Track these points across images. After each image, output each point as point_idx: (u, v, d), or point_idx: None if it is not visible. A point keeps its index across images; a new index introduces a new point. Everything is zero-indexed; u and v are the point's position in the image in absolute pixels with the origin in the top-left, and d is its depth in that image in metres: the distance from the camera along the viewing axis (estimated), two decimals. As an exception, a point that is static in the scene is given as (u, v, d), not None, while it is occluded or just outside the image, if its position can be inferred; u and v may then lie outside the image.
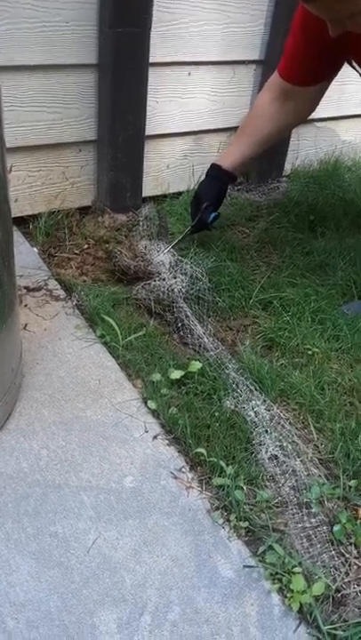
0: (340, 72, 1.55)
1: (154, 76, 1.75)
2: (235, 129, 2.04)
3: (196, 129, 1.96)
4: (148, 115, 1.79)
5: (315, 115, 2.09)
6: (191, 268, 1.52)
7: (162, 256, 1.54)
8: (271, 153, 2.14)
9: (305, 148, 2.28)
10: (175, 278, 1.49)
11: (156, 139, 1.89)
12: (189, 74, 1.84)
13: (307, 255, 1.74)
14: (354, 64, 1.49)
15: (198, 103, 1.91)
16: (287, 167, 2.25)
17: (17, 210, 1.74)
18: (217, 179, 1.67)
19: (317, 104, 1.63)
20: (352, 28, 1.21)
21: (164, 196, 2.00)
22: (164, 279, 1.48)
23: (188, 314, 1.41)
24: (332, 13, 1.20)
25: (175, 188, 2.03)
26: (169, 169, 1.99)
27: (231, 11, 1.81)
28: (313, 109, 1.66)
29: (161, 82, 1.80)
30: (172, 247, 1.61)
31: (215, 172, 1.67)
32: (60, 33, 1.55)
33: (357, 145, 2.43)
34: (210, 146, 2.04)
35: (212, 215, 1.67)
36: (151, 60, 1.70)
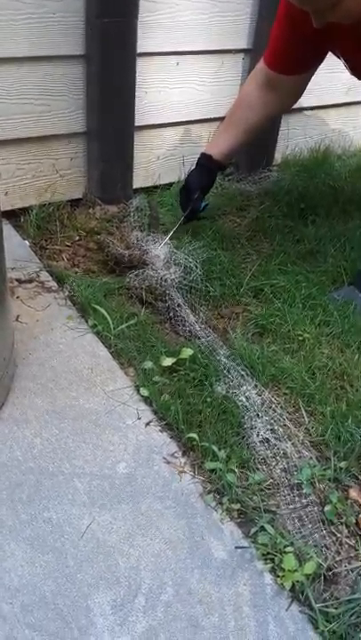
0: (328, 60, 1.56)
1: (142, 66, 1.75)
2: (224, 119, 2.04)
3: (185, 119, 1.96)
4: (137, 105, 1.79)
5: (304, 103, 2.10)
6: (185, 259, 1.52)
7: (157, 249, 1.54)
8: (261, 142, 2.14)
9: (295, 137, 2.28)
10: (169, 269, 1.50)
11: (146, 129, 1.89)
12: (177, 63, 1.84)
13: (297, 243, 1.74)
14: (338, 54, 1.49)
15: (187, 93, 1.91)
16: (277, 156, 2.25)
17: (7, 203, 1.74)
18: (206, 168, 1.68)
19: (302, 93, 1.64)
20: (334, 20, 1.22)
21: (155, 187, 2.01)
22: (156, 269, 1.48)
23: (181, 302, 1.42)
24: (313, 4, 1.21)
25: (166, 179, 2.03)
26: (159, 160, 1.99)
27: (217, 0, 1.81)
28: (298, 98, 1.66)
29: (149, 72, 1.80)
30: (168, 240, 1.61)
31: (205, 161, 1.68)
32: (46, 24, 1.55)
33: (347, 133, 2.44)
34: (200, 136, 2.04)
35: (203, 205, 1.68)
36: (139, 50, 1.70)
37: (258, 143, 2.13)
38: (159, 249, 1.54)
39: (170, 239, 1.61)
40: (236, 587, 0.89)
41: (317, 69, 1.59)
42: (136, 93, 1.76)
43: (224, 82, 1.97)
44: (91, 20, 1.58)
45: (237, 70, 1.98)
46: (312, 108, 2.25)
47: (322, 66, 1.59)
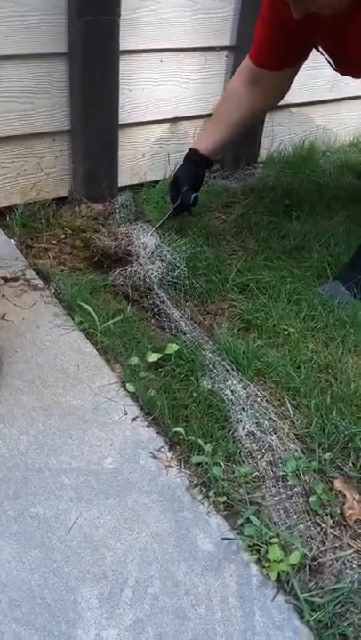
0: (312, 57, 1.57)
1: (125, 63, 1.75)
2: (209, 116, 2.05)
3: (170, 116, 1.97)
4: (121, 103, 1.79)
5: (289, 100, 2.11)
6: (170, 255, 1.53)
7: (145, 238, 1.55)
8: (246, 139, 2.16)
9: (279, 134, 2.30)
10: (153, 264, 1.50)
11: (131, 127, 1.90)
12: (161, 61, 1.84)
13: (282, 239, 1.75)
14: (321, 50, 1.51)
15: (171, 90, 1.92)
16: (262, 153, 2.27)
17: (-8, 202, 1.74)
18: (195, 162, 1.69)
19: (288, 89, 1.65)
20: (315, 9, 1.23)
21: (141, 184, 2.01)
22: (141, 264, 1.48)
23: (165, 299, 1.42)
24: None
25: (152, 177, 2.04)
26: (145, 157, 1.99)
27: (201, -3, 1.82)
28: (284, 94, 1.68)
29: (133, 69, 1.80)
30: (155, 233, 1.62)
31: (193, 156, 1.69)
32: (28, 22, 1.55)
33: (331, 130, 2.45)
34: (185, 133, 2.05)
35: (193, 196, 1.68)
36: (122, 47, 1.70)
37: (243, 140, 2.14)
38: (147, 237, 1.54)
39: (157, 231, 1.61)
40: (222, 578, 0.90)
41: (302, 66, 1.60)
42: (120, 91, 1.76)
43: (208, 79, 1.98)
44: (72, 19, 1.58)
45: (221, 67, 1.99)
46: (296, 105, 2.26)
47: (306, 63, 1.60)
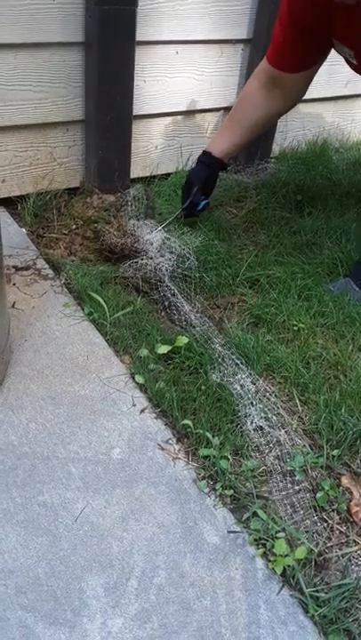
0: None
1: (141, 54, 1.74)
2: (223, 109, 2.04)
3: (184, 109, 1.96)
4: (136, 94, 1.78)
5: (304, 96, 2.09)
6: (180, 246, 1.53)
7: (150, 235, 1.55)
8: (259, 135, 2.14)
9: (293, 130, 2.28)
10: (162, 257, 1.50)
11: (145, 119, 1.89)
12: (177, 52, 1.83)
13: (294, 234, 1.75)
14: (338, 46, 1.49)
15: (186, 83, 1.91)
16: (275, 148, 2.25)
17: (5, 190, 1.74)
18: (207, 165, 1.68)
19: (306, 90, 1.63)
20: None
21: (153, 177, 2.00)
22: (151, 257, 1.48)
23: (175, 292, 1.42)
24: None
25: (164, 169, 2.03)
26: (157, 150, 1.99)
27: (218, -11, 1.80)
28: (302, 95, 1.66)
29: (148, 61, 1.79)
30: (163, 229, 1.62)
31: (206, 158, 1.68)
32: (46, 11, 1.54)
33: (345, 126, 2.44)
34: (198, 126, 2.04)
35: (203, 202, 1.68)
36: (138, 38, 1.69)
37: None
38: (152, 235, 1.54)
39: (164, 229, 1.61)
40: (228, 571, 0.90)
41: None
42: (135, 82, 1.75)
43: (223, 72, 1.97)
44: (90, 7, 1.57)
45: (236, 60, 1.98)
46: (311, 101, 2.24)
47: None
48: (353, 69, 1.56)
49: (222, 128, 1.72)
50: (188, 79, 1.90)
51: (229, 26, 1.90)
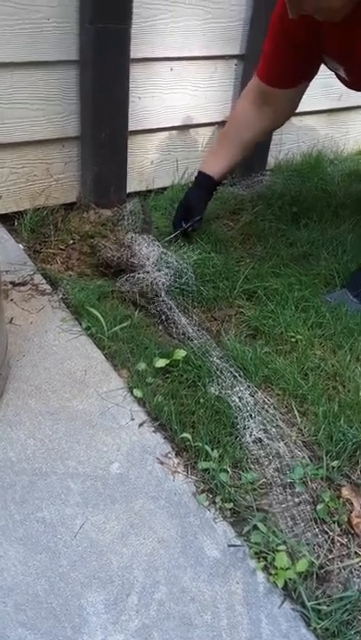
0: (321, 67, 1.57)
1: (136, 71, 1.76)
2: (218, 124, 2.06)
3: (179, 124, 1.98)
4: (131, 110, 1.80)
5: (298, 109, 2.11)
6: (177, 261, 1.53)
7: (146, 249, 1.55)
8: (253, 151, 2.17)
9: (288, 142, 2.30)
10: (159, 271, 1.51)
11: (140, 134, 1.91)
12: (171, 69, 1.86)
13: (290, 246, 1.76)
14: (327, 61, 1.51)
15: (181, 98, 1.93)
16: (270, 161, 2.27)
17: (1, 207, 1.75)
18: (206, 190, 1.71)
19: (297, 105, 1.65)
20: (309, 11, 1.23)
21: (149, 191, 2.02)
22: (147, 272, 1.49)
23: (172, 306, 1.43)
24: None
25: (160, 184, 2.05)
26: (153, 164, 2.00)
27: (211, 6, 1.83)
28: (293, 110, 1.68)
29: (143, 77, 1.81)
30: (159, 243, 1.63)
31: (206, 181, 1.69)
32: (41, 30, 1.56)
33: (339, 138, 2.46)
34: (193, 141, 2.06)
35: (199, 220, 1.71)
36: (133, 55, 1.71)
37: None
38: (149, 250, 1.54)
39: (160, 243, 1.62)
40: (228, 585, 0.90)
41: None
42: (130, 98, 1.77)
43: (217, 87, 1.99)
44: (84, 26, 1.59)
45: (230, 76, 2.00)
46: (305, 114, 2.27)
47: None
48: (343, 84, 1.58)
49: (216, 148, 1.74)
50: (182, 95, 1.93)
51: (223, 42, 1.92)
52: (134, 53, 1.71)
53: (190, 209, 1.70)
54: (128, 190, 1.93)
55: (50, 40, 1.59)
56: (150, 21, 1.73)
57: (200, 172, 1.71)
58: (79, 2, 1.57)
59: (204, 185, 1.71)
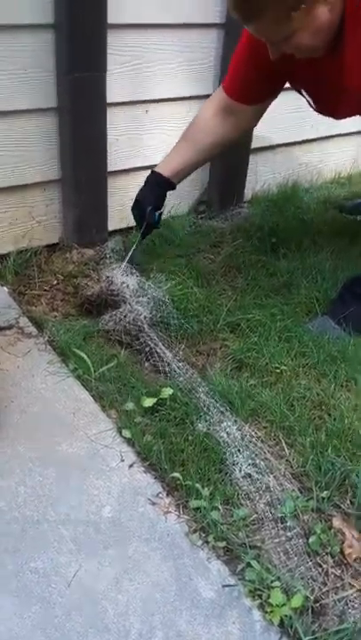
0: (295, 100, 1.62)
1: (112, 115, 1.81)
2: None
3: (156, 162, 2.02)
4: (109, 151, 1.85)
5: (272, 141, 2.18)
6: (155, 291, 1.55)
7: (123, 276, 1.57)
8: (231, 180, 2.22)
9: (263, 174, 2.36)
10: (139, 299, 1.52)
11: (119, 174, 1.95)
12: (147, 111, 1.91)
13: (271, 276, 1.79)
14: (303, 92, 1.57)
15: (157, 138, 1.98)
16: (247, 193, 2.33)
17: (-15, 251, 1.77)
18: (157, 185, 1.70)
19: (258, 121, 1.69)
20: (289, 51, 1.29)
21: (130, 228, 2.05)
22: (129, 305, 1.50)
23: (157, 340, 1.44)
24: (268, 35, 1.28)
25: (140, 220, 2.08)
26: (133, 202, 2.04)
27: (182, 50, 1.89)
28: (254, 125, 1.72)
29: (120, 120, 1.86)
30: (130, 261, 1.64)
31: (155, 178, 1.70)
32: (19, 80, 1.61)
33: (314, 167, 2.53)
34: (171, 177, 2.10)
35: (157, 215, 1.70)
36: (108, 100, 1.76)
37: (228, 181, 2.21)
38: (122, 276, 1.56)
39: (133, 264, 1.64)
40: (225, 626, 0.90)
41: (285, 107, 1.63)
42: (108, 140, 1.82)
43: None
44: (60, 76, 1.64)
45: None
46: (279, 146, 2.33)
47: (290, 105, 1.64)
48: (309, 105, 1.62)
49: (173, 150, 1.73)
50: (158, 135, 1.98)
51: (196, 82, 1.98)
52: (110, 98, 1.76)
53: (138, 203, 1.70)
54: (110, 228, 1.96)
55: (27, 89, 1.63)
56: (125, 67, 1.79)
57: (152, 171, 1.72)
58: (55, 52, 1.63)
59: (150, 179, 1.70)
